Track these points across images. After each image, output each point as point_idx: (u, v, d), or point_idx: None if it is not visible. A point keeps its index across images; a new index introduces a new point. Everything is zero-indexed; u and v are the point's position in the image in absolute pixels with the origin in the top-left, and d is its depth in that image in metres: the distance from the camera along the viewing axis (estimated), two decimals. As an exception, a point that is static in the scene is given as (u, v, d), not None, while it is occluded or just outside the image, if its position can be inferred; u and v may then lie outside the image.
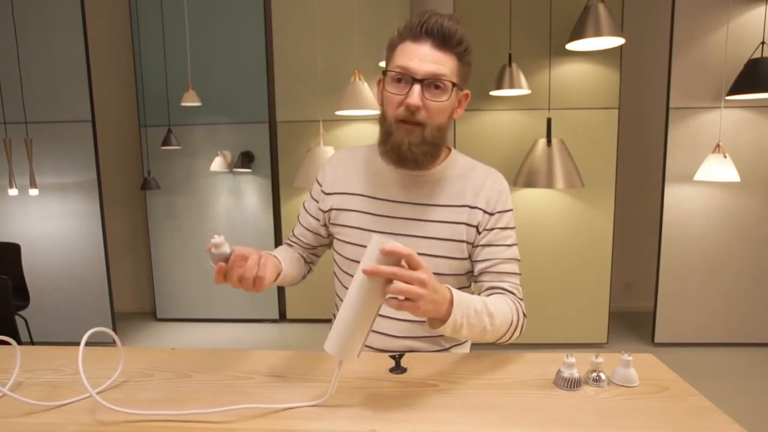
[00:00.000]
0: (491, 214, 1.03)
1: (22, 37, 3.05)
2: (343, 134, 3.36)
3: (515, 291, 1.01)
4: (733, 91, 2.55)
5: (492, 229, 1.03)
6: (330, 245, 1.19)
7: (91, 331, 0.81)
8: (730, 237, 2.99)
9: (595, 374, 0.84)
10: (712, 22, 2.85)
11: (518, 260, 1.04)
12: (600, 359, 0.84)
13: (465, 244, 1.03)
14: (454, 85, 0.95)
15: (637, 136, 3.64)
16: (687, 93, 2.91)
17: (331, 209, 1.09)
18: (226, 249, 0.82)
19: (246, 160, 3.39)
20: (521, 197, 3.02)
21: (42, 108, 3.10)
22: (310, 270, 1.22)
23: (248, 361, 0.96)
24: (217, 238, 0.81)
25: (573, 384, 0.83)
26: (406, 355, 0.97)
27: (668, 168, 2.96)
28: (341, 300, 1.11)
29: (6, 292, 2.10)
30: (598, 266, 3.04)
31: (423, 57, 0.92)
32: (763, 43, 2.58)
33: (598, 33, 2.39)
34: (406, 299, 0.74)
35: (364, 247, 0.76)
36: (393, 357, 0.95)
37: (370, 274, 0.71)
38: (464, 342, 1.15)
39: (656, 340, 3.08)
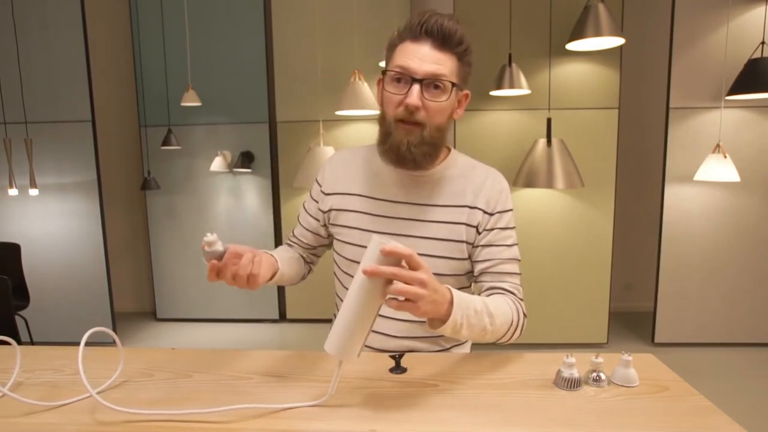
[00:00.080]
0: (491, 215, 1.03)
1: (22, 37, 3.05)
2: (343, 134, 3.36)
3: (515, 291, 1.01)
4: (733, 91, 2.55)
5: (492, 230, 1.03)
6: (330, 246, 1.19)
7: (91, 331, 0.82)
8: (730, 237, 2.99)
9: (595, 374, 0.85)
10: (712, 22, 2.85)
11: (518, 260, 1.04)
12: (600, 359, 0.84)
13: (465, 244, 1.03)
14: (453, 85, 0.94)
15: (637, 136, 3.64)
16: (687, 93, 2.91)
17: (330, 209, 1.09)
18: (218, 247, 0.83)
19: (246, 160, 3.39)
20: (521, 197, 3.02)
21: (42, 108, 3.10)
22: (310, 270, 1.22)
23: (248, 361, 0.96)
24: (210, 236, 0.81)
25: (573, 384, 0.83)
26: (406, 355, 0.97)
27: (668, 168, 2.96)
28: (341, 300, 1.11)
29: (6, 292, 2.10)
30: (598, 266, 3.04)
31: (423, 57, 0.92)
32: (763, 43, 2.58)
33: (598, 33, 2.39)
34: (406, 300, 0.74)
35: (364, 247, 0.76)
36: (393, 357, 0.95)
37: (370, 274, 0.71)
38: (464, 342, 1.15)
39: (656, 340, 3.08)
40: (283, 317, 3.62)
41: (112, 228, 3.77)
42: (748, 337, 3.05)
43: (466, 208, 1.03)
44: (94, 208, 3.15)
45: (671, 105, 2.92)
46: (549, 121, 2.67)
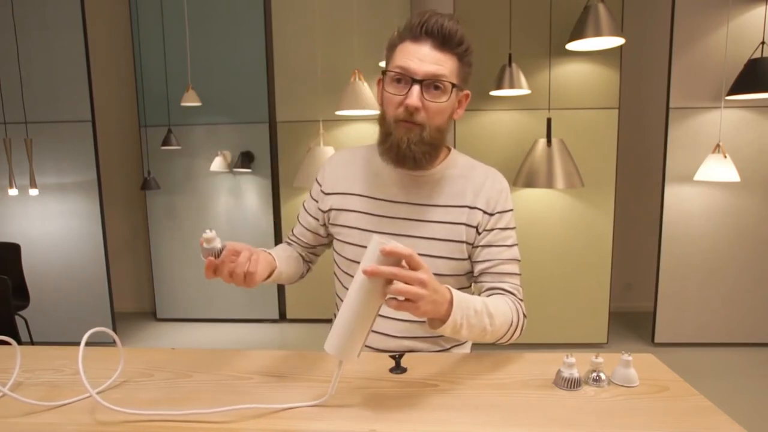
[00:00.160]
0: (491, 215, 1.03)
1: (22, 37, 3.05)
2: (343, 134, 3.36)
3: (515, 291, 1.01)
4: (733, 91, 2.55)
5: (492, 230, 1.02)
6: (329, 245, 1.19)
7: (91, 331, 0.82)
8: (730, 237, 2.99)
9: (595, 374, 0.85)
10: (712, 22, 2.85)
11: (518, 261, 1.04)
12: (600, 359, 0.84)
13: (464, 244, 1.03)
14: (453, 85, 0.94)
15: (637, 136, 3.64)
16: (687, 93, 2.91)
17: (330, 209, 1.09)
18: (217, 244, 0.83)
19: (246, 160, 3.39)
20: (521, 197, 3.02)
21: (42, 108, 3.10)
22: (308, 269, 1.22)
23: (248, 361, 0.96)
24: (208, 233, 0.81)
25: (573, 384, 0.83)
26: (406, 355, 0.97)
27: (668, 168, 2.96)
28: (341, 300, 1.11)
29: (6, 292, 2.10)
30: (598, 266, 3.04)
31: (423, 57, 0.92)
32: (763, 43, 2.58)
33: (598, 33, 2.39)
34: (406, 300, 0.74)
35: (364, 247, 0.76)
36: (393, 357, 0.95)
37: (370, 274, 0.71)
38: (465, 342, 1.15)
39: (656, 340, 3.08)
40: (283, 317, 3.62)
41: (112, 228, 3.77)
42: (748, 337, 3.05)
43: (466, 209, 1.03)
44: (94, 208, 3.15)
45: (671, 105, 2.92)
46: (549, 121, 2.67)
